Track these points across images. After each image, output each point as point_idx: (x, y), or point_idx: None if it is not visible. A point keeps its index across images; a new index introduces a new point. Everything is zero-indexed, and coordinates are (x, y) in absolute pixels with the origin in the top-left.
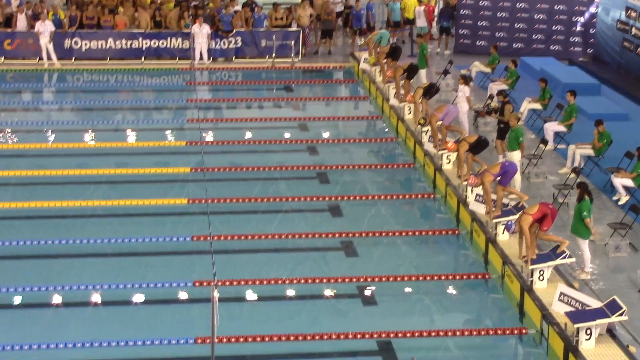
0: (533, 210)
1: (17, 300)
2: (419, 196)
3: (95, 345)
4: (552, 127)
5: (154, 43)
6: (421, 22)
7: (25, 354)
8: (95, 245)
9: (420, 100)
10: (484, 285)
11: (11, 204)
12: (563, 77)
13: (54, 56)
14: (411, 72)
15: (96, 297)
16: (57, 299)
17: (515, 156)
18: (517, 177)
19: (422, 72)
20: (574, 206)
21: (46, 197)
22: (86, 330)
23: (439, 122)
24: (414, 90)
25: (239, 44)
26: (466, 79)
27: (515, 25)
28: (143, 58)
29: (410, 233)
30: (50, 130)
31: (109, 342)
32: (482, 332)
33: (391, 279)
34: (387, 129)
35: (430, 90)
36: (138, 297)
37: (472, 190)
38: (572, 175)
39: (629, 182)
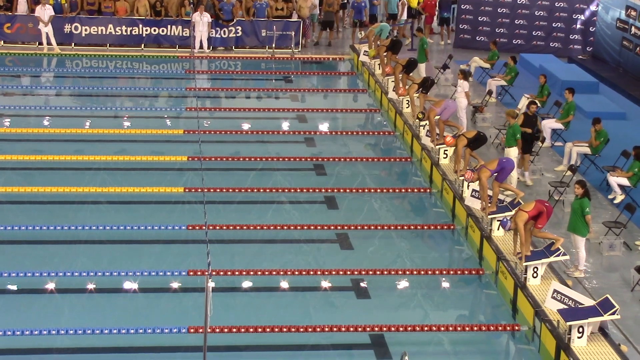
0: (529, 207)
1: (10, 285)
2: (415, 190)
3: (88, 333)
4: (550, 125)
5: (154, 30)
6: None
7: (18, 339)
8: (89, 232)
9: (417, 96)
10: (477, 281)
11: (7, 189)
12: (562, 75)
13: (53, 41)
14: (410, 67)
15: (89, 284)
16: (50, 285)
17: (512, 153)
18: (514, 174)
19: (422, 67)
20: (570, 204)
21: (42, 182)
22: (78, 317)
23: (437, 117)
24: (409, 85)
25: (239, 34)
26: (465, 74)
27: (516, 21)
28: (143, 45)
29: (405, 227)
30: (47, 116)
31: (101, 329)
32: (475, 328)
33: (385, 272)
34: (385, 123)
35: (426, 84)
36: (132, 285)
37: (468, 186)
38: (569, 173)
39: (625, 181)
